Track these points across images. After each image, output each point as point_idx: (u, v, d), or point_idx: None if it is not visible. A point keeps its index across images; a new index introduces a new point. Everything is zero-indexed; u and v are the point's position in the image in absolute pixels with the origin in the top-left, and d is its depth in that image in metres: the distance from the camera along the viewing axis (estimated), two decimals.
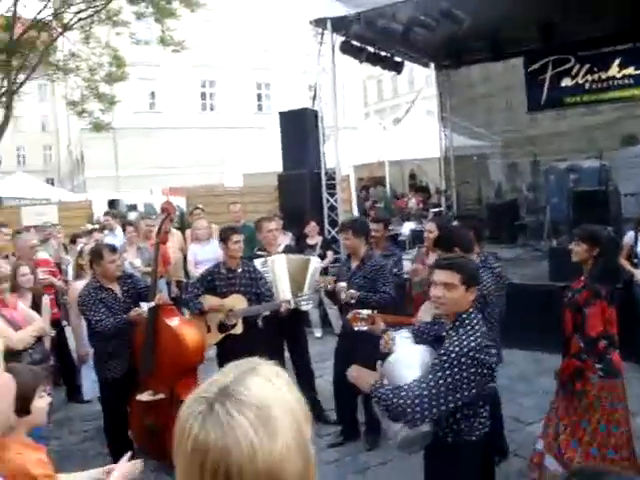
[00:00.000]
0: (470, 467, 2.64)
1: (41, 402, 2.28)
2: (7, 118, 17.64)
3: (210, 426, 0.87)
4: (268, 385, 0.93)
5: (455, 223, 5.58)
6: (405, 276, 5.95)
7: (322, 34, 9.88)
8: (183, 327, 4.40)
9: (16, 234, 6.34)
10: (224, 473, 0.85)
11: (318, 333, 8.10)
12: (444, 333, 2.69)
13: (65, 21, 18.47)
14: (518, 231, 11.47)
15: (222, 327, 4.74)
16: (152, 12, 18.77)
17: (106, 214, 9.32)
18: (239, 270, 4.85)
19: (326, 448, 4.75)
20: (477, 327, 2.55)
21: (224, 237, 4.89)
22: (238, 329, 4.69)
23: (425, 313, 3.79)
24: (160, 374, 4.30)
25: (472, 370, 2.43)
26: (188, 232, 8.17)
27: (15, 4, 17.13)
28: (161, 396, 4.33)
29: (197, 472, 0.86)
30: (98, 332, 4.47)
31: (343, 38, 9.80)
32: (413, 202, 18.06)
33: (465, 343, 2.47)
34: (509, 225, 11.37)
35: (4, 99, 17.63)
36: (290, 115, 10.14)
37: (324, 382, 5.61)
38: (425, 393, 2.38)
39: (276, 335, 5.17)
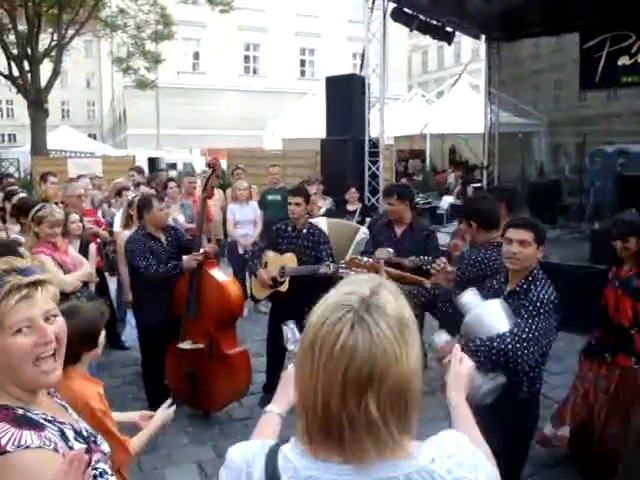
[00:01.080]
0: (537, 414, 2.90)
1: (101, 337, 2.39)
2: (55, 72, 17.91)
3: (359, 333, 0.94)
4: (400, 301, 1.00)
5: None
6: (444, 249, 5.93)
7: (374, 0, 9.74)
8: (225, 280, 4.52)
9: (67, 182, 6.52)
10: (367, 377, 0.93)
11: None
12: (509, 289, 2.84)
13: None
14: (559, 212, 11.27)
15: (273, 282, 4.84)
16: None
17: (131, 169, 9.46)
18: (304, 231, 4.88)
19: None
20: (548, 281, 2.79)
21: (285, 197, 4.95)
22: (284, 287, 4.77)
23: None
24: (201, 324, 4.42)
25: (553, 318, 2.67)
26: (228, 192, 8.24)
27: None
28: (200, 346, 4.45)
29: (340, 374, 0.93)
30: (141, 279, 4.60)
31: (395, 5, 9.65)
32: (452, 177, 17.87)
33: (546, 294, 2.70)
34: (550, 205, 11.18)
35: (53, 53, 17.89)
36: (337, 81, 10.07)
37: None
38: (530, 336, 2.60)
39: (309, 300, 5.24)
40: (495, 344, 2.60)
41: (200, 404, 4.67)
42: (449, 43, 11.19)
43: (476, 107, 14.11)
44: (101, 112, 47.96)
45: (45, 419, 1.32)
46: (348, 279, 1.07)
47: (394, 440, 0.96)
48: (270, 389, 5.04)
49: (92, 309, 2.39)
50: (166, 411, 2.39)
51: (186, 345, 4.50)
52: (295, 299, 4.73)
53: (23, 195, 5.88)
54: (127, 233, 5.14)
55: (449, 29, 10.81)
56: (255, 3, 32.00)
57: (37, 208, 4.32)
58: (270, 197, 8.26)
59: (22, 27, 17.35)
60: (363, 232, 5.83)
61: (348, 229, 5.64)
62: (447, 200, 12.69)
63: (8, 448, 1.17)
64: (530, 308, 2.68)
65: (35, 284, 1.31)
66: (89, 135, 30.77)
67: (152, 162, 16.20)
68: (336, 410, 0.95)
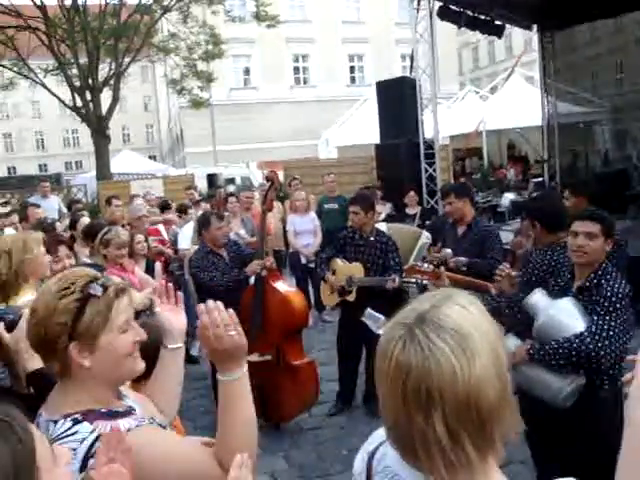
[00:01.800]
0: (621, 412, 2.68)
1: None
2: (115, 99, 18.66)
3: (411, 349, 0.93)
4: (463, 311, 0.97)
5: (567, 194, 5.25)
6: (507, 247, 5.77)
7: (419, 1, 9.66)
8: (289, 291, 4.56)
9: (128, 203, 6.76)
10: (425, 393, 0.91)
11: None
12: (577, 285, 2.75)
13: (165, 3, 19.14)
14: (628, 202, 10.78)
15: (341, 291, 4.85)
16: None
17: (188, 188, 9.68)
18: (371, 239, 4.84)
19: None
20: (619, 274, 2.70)
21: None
22: (351, 296, 4.76)
23: None
24: (267, 336, 4.46)
25: (629, 312, 2.60)
26: (287, 203, 8.32)
27: None
28: (267, 357, 4.49)
29: (399, 391, 0.93)
30: (207, 293, 4.69)
31: (441, 3, 9.53)
32: (512, 173, 17.43)
33: (620, 288, 2.62)
34: (618, 195, 10.71)
35: (112, 81, 18.65)
36: (387, 84, 10.03)
37: None
38: (611, 333, 2.53)
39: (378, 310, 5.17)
40: (575, 345, 2.52)
41: (270, 415, 4.71)
42: (499, 37, 10.95)
43: (532, 99, 13.71)
44: (159, 133, 49.57)
45: (129, 409, 1.47)
46: (423, 295, 1.06)
47: (469, 460, 0.92)
48: (344, 398, 5.02)
49: (156, 326, 2.44)
50: None
51: (253, 357, 4.54)
52: (363, 308, 4.73)
53: (86, 218, 6.11)
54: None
55: (498, 22, 10.58)
56: (301, 14, 32.38)
57: (104, 231, 4.49)
58: (327, 206, 8.29)
59: (83, 60, 18.18)
60: (425, 237, 5.74)
61: (410, 234, 5.57)
62: (508, 197, 12.37)
63: None
64: (605, 304, 2.57)
65: (125, 289, 1.50)
66: (149, 157, 31.88)
67: (211, 178, 16.58)
68: (405, 427, 0.94)
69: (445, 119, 12.30)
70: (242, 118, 30.19)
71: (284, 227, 7.89)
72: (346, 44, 33.60)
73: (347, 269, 4.81)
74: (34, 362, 1.90)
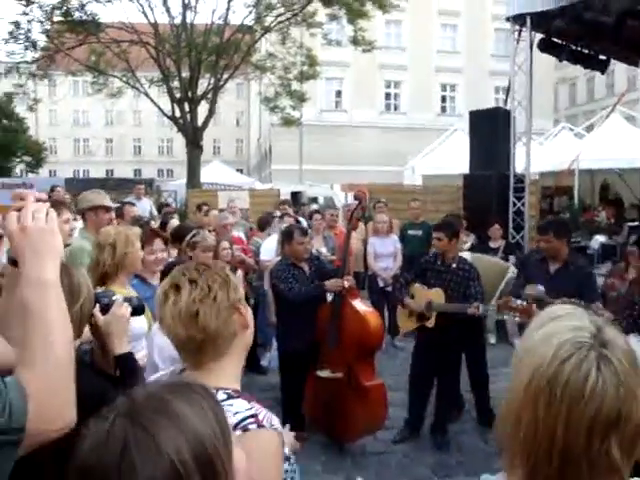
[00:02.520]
0: None
1: None
2: (211, 112, 19.50)
3: (607, 373, 0.90)
4: (617, 331, 0.96)
5: None
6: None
7: (519, 31, 9.51)
8: (367, 311, 4.54)
9: (217, 212, 7.01)
10: (615, 419, 0.89)
11: (492, 339, 7.83)
12: None
13: (266, 24, 19.86)
14: None
15: (420, 316, 4.81)
16: (345, 13, 19.44)
17: (282, 203, 9.87)
18: (453, 265, 4.79)
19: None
20: None
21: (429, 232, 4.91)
22: (430, 322, 4.71)
23: None
24: (340, 353, 4.46)
25: None
26: (370, 225, 8.34)
27: (227, 11, 18.88)
28: (338, 375, 4.49)
29: (589, 417, 0.89)
30: (285, 305, 4.77)
31: (542, 35, 9.34)
32: (603, 215, 16.66)
33: None
34: None
35: (210, 95, 19.50)
36: (481, 115, 9.90)
37: (497, 389, 5.45)
38: None
39: (456, 339, 5.05)
40: None
41: (335, 434, 4.69)
42: (602, 72, 10.55)
43: (632, 140, 13.12)
44: (248, 148, 51.09)
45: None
46: (552, 311, 1.02)
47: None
48: (412, 426, 4.93)
49: None
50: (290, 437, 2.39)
51: (325, 374, 4.56)
52: (441, 335, 4.65)
53: (175, 221, 6.35)
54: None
55: (603, 57, 10.22)
56: (396, 42, 32.67)
57: (192, 234, 4.66)
58: (411, 232, 8.26)
59: (185, 74, 19.15)
60: (512, 271, 5.60)
61: (496, 267, 5.46)
62: (598, 239, 11.84)
63: (264, 423, 1.35)
64: None
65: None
66: (237, 170, 32.79)
67: (295, 196, 16.89)
68: (577, 455, 0.89)
69: (536, 155, 11.96)
70: (330, 139, 30.65)
71: (365, 249, 7.90)
72: (439, 73, 33.56)
73: (426, 294, 4.76)
74: (122, 346, 2.00)
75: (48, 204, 1.26)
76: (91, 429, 0.82)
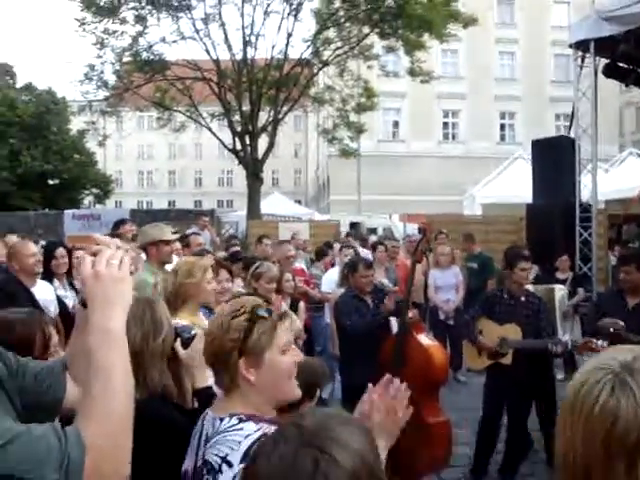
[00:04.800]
0: None
1: (317, 393, 2.51)
2: (271, 144, 19.94)
3: (621, 396, 0.93)
4: None
5: None
6: None
7: (582, 57, 9.36)
8: (432, 344, 4.45)
9: (277, 244, 7.11)
10: (634, 442, 0.90)
11: (560, 375, 7.52)
12: None
13: (324, 58, 20.28)
14: None
15: (492, 354, 4.67)
16: (402, 45, 19.62)
17: (347, 235, 9.92)
18: (522, 299, 4.65)
19: None
20: None
21: (511, 262, 4.75)
22: (507, 359, 4.54)
23: None
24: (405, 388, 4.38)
25: None
26: (431, 257, 8.26)
27: (286, 46, 19.43)
28: None
29: (600, 438, 0.93)
30: (347, 338, 4.75)
31: (607, 60, 9.14)
32: None
33: None
34: None
35: (269, 128, 19.97)
36: (544, 143, 9.72)
37: None
38: None
39: (527, 375, 4.84)
40: None
41: (399, 471, 4.58)
42: None
43: None
44: (306, 179, 51.76)
45: None
46: (615, 348, 1.06)
47: None
48: (477, 472, 4.76)
49: (319, 363, 2.52)
50: None
51: None
52: (516, 373, 4.49)
53: (237, 250, 6.44)
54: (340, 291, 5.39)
55: None
56: (453, 71, 32.64)
57: (256, 265, 4.74)
58: (468, 264, 8.14)
59: (246, 107, 19.72)
60: (559, 288, 5.43)
61: (543, 292, 5.28)
62: None
63: None
64: None
65: (287, 314, 1.66)
66: (295, 200, 33.25)
67: (353, 226, 16.94)
68: (599, 476, 0.93)
69: (602, 182, 11.61)
70: (388, 170, 30.67)
71: (426, 280, 7.82)
72: (498, 101, 33.22)
73: (498, 330, 4.61)
74: (203, 380, 2.05)
75: (123, 251, 1.29)
76: (271, 456, 0.92)
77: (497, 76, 33.29)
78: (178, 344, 2.07)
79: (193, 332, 2.16)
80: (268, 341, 1.55)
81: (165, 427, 1.90)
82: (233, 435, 1.44)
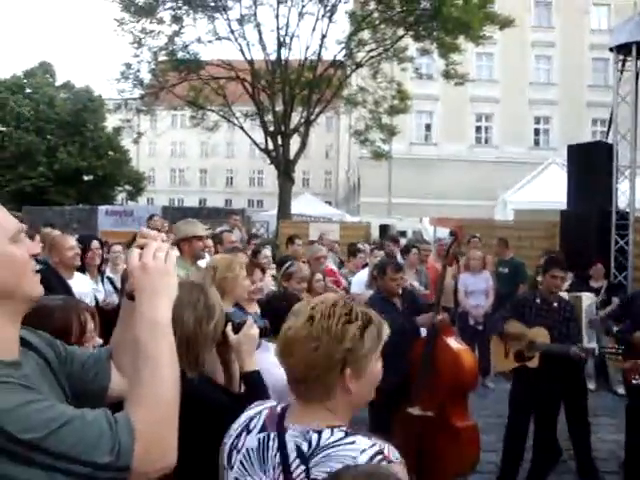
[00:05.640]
0: None
1: None
2: (303, 145, 20.03)
3: None
4: None
5: None
6: None
7: (624, 61, 9.20)
8: (462, 349, 4.43)
9: (308, 244, 7.15)
10: None
11: (592, 385, 7.39)
12: None
13: (357, 59, 20.29)
14: None
15: (519, 356, 4.64)
16: (437, 47, 19.51)
17: (387, 238, 9.87)
18: (554, 304, 4.63)
19: None
20: None
21: (546, 268, 4.74)
22: (533, 362, 4.53)
23: None
24: (433, 391, 4.36)
25: None
26: (461, 261, 8.21)
27: (320, 48, 19.51)
28: (429, 414, 4.39)
29: None
30: None
31: None
32: None
33: None
34: None
35: (301, 129, 20.06)
36: (580, 149, 9.55)
37: (597, 440, 5.15)
38: None
39: (557, 382, 4.78)
40: None
41: (424, 475, 4.56)
42: None
43: None
44: (337, 181, 51.77)
45: None
46: None
47: None
48: (508, 475, 4.71)
49: None
50: None
51: (415, 411, 4.47)
52: (544, 378, 4.45)
53: (267, 251, 6.47)
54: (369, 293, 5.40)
55: None
56: (488, 74, 32.31)
57: (287, 265, 4.77)
58: (499, 269, 8.06)
59: (279, 108, 19.84)
60: (586, 297, 5.37)
61: (572, 298, 5.23)
62: None
63: (392, 458, 1.34)
64: None
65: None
66: (325, 202, 33.30)
67: (383, 229, 16.90)
68: None
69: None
70: (419, 173, 30.50)
71: (455, 284, 7.76)
72: (533, 105, 32.74)
73: (528, 333, 4.58)
74: (251, 364, 2.12)
75: (169, 245, 1.32)
76: None
77: (532, 80, 32.82)
78: (229, 329, 2.13)
79: (243, 318, 2.24)
80: (374, 350, 1.43)
81: (214, 409, 1.96)
82: (347, 450, 1.33)
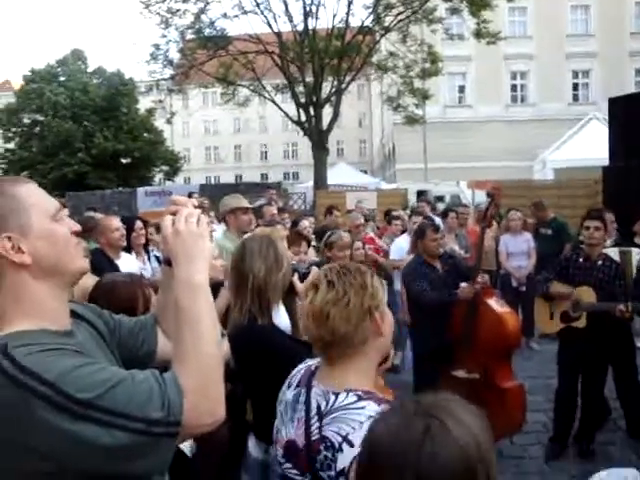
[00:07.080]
0: None
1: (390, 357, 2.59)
2: (335, 115, 19.89)
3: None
4: None
5: None
6: None
7: None
8: (503, 310, 4.43)
9: (346, 214, 7.18)
10: None
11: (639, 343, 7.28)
12: None
13: (386, 24, 19.90)
14: None
15: (565, 317, 4.58)
16: (467, 5, 18.97)
17: (420, 200, 9.83)
18: (599, 262, 4.51)
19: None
20: None
21: (582, 221, 4.64)
22: (581, 323, 4.45)
23: None
24: (476, 354, 4.39)
25: None
26: (503, 223, 8.12)
27: (347, 15, 19.19)
28: (475, 376, 4.42)
29: None
30: (417, 304, 4.77)
31: None
32: None
33: None
34: None
35: (333, 99, 19.90)
36: (623, 101, 9.20)
37: None
38: None
39: (604, 342, 4.62)
40: None
41: None
42: None
43: None
44: (371, 149, 51.36)
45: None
46: None
47: None
48: (557, 441, 4.69)
49: None
50: None
51: (460, 374, 4.51)
52: (591, 338, 4.39)
53: (306, 221, 6.51)
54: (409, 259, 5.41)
55: None
56: (521, 31, 31.28)
57: (329, 234, 4.82)
58: (541, 230, 7.93)
59: (309, 79, 19.71)
60: (636, 252, 5.22)
61: (619, 253, 5.09)
62: None
63: None
64: None
65: None
66: (361, 170, 33.12)
67: (420, 195, 16.77)
68: None
69: None
70: (455, 136, 29.99)
71: (496, 246, 7.70)
72: (570, 59, 31.59)
73: (574, 293, 4.50)
74: None
75: (200, 210, 1.37)
76: (388, 421, 1.00)
77: (569, 32, 31.60)
78: (296, 278, 2.24)
79: (310, 268, 2.35)
80: (383, 292, 1.56)
81: (283, 352, 2.09)
82: (354, 414, 1.41)
